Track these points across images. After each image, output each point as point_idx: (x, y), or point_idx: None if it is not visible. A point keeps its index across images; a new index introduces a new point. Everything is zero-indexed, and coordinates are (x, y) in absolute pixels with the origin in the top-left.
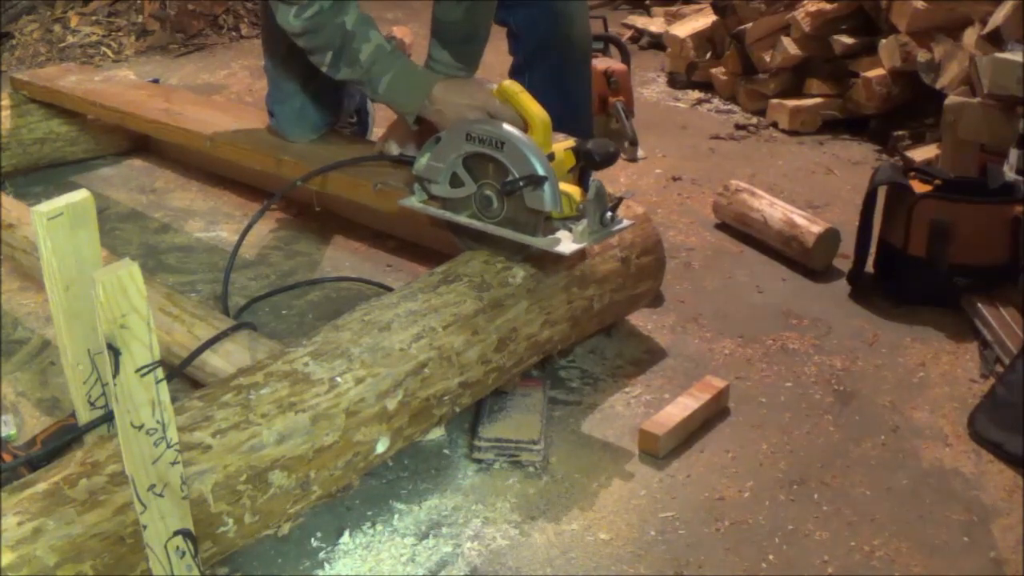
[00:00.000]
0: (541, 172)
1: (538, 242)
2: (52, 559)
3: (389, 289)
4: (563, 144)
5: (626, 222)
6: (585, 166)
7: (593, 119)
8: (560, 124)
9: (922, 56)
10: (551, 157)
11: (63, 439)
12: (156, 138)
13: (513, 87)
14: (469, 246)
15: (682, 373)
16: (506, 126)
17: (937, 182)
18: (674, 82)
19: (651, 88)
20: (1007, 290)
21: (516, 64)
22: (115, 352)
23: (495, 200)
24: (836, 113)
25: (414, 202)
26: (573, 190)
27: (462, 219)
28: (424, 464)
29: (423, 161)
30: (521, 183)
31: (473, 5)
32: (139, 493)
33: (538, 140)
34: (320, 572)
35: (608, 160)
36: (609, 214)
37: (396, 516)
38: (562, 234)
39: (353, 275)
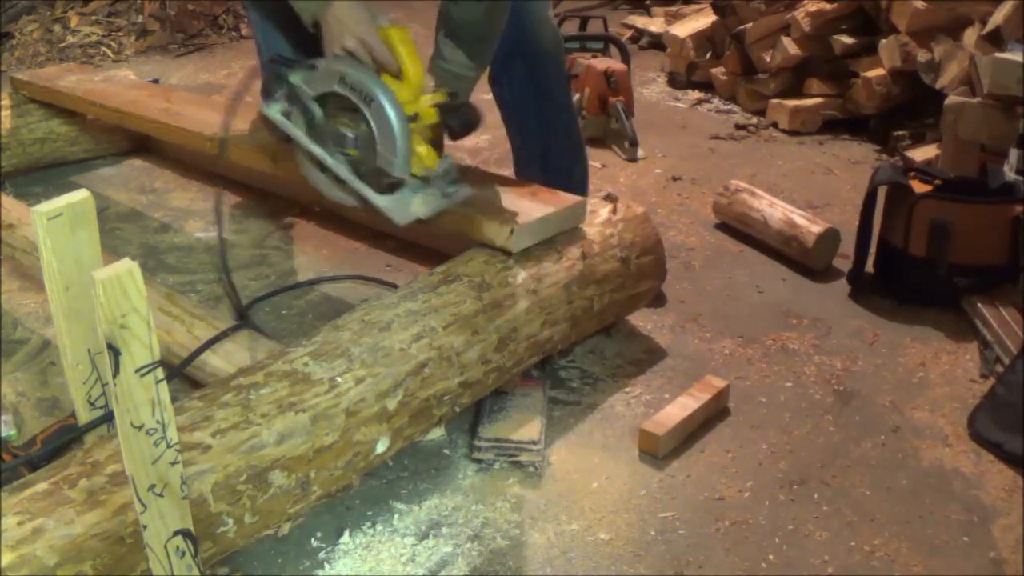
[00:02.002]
0: (400, 148)
1: (379, 201)
2: (52, 559)
3: (393, 286)
4: (430, 99)
5: (465, 190)
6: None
7: (575, 117)
8: (543, 125)
9: (922, 56)
10: (414, 118)
11: (63, 439)
12: (156, 138)
13: (400, 35)
14: (307, 169)
15: (682, 373)
16: (380, 87)
17: (937, 182)
18: (674, 82)
19: (651, 88)
20: (1007, 290)
21: (493, 70)
22: (115, 352)
23: (348, 141)
24: (836, 113)
25: (275, 112)
26: (426, 152)
27: (315, 149)
28: (424, 464)
29: (295, 79)
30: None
31: (493, 4)
32: (139, 493)
33: (407, 95)
34: (320, 572)
35: (466, 131)
36: (453, 187)
37: (396, 516)
38: (404, 193)
39: (354, 274)
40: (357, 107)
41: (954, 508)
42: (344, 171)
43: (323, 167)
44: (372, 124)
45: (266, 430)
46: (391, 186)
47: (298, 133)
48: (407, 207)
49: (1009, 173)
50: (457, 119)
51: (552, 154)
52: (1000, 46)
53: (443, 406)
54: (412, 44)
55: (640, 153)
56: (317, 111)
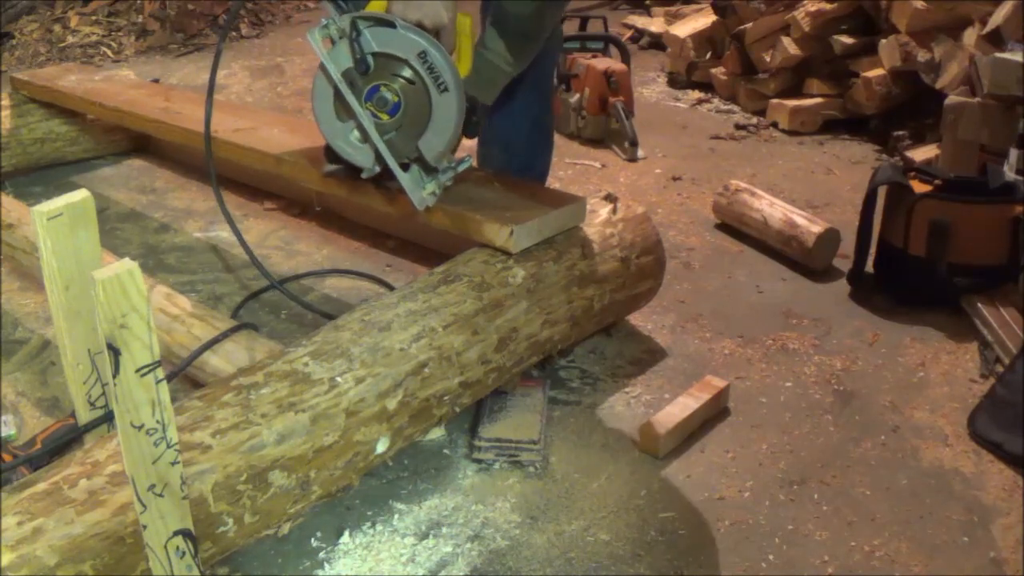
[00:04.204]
0: (448, 144)
1: (402, 176)
2: (52, 559)
3: (375, 279)
4: None
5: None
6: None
7: (552, 112)
8: (517, 113)
9: (922, 56)
10: None
11: (63, 439)
12: (156, 138)
13: (469, 26)
14: (321, 108)
15: (682, 373)
16: (458, 81)
17: (937, 182)
18: (674, 82)
19: (651, 88)
20: (1007, 290)
21: None
22: (115, 352)
23: (387, 105)
24: (836, 113)
25: (316, 38)
26: None
27: (350, 96)
28: (424, 464)
29: (363, 25)
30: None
31: (544, 5)
32: (139, 493)
33: None
34: (320, 572)
35: (473, 136)
36: (450, 183)
37: (396, 516)
38: (413, 175)
39: (343, 273)
40: (414, 80)
41: (954, 508)
42: (373, 130)
43: (341, 117)
44: (434, 109)
45: (266, 430)
46: (404, 164)
47: (335, 71)
48: (420, 191)
49: (1009, 173)
50: (470, 130)
51: (519, 143)
52: (1000, 46)
53: (443, 406)
54: (471, 38)
55: (640, 153)
56: (372, 64)
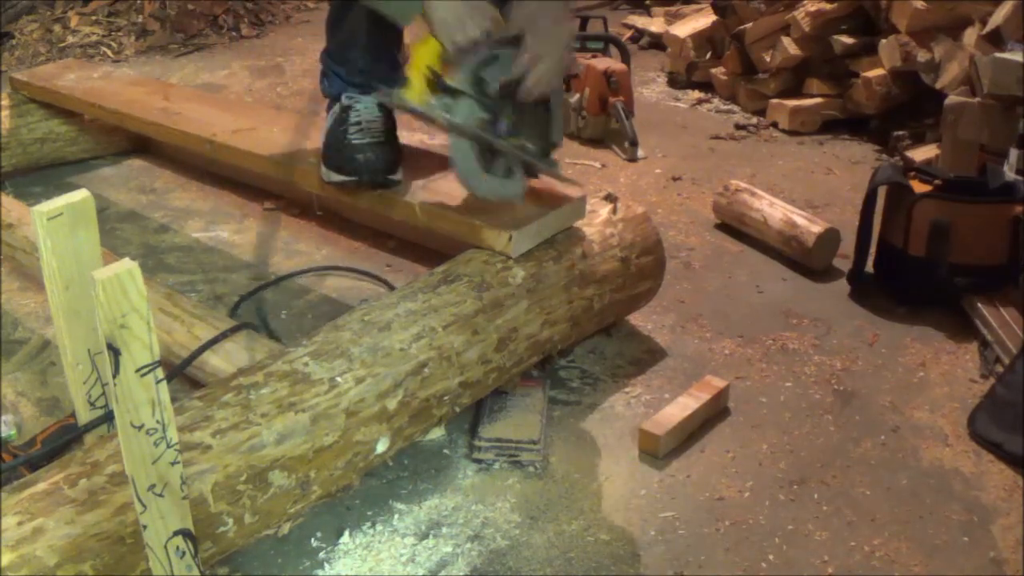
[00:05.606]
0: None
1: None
2: (52, 559)
3: (372, 275)
4: None
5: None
6: None
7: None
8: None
9: (922, 56)
10: None
11: (63, 439)
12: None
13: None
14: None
15: (682, 373)
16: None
17: (937, 182)
18: (674, 82)
19: (651, 88)
20: (1007, 290)
21: None
22: (115, 352)
23: (508, 127)
24: (836, 113)
25: (435, 109)
26: None
27: (502, 144)
28: (424, 464)
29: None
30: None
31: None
32: (139, 493)
33: None
34: (320, 572)
35: None
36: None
37: (396, 516)
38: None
39: (333, 270)
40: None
41: (954, 508)
42: (523, 157)
43: (485, 167)
44: (552, 105)
45: (266, 430)
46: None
47: (471, 127)
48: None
49: (1009, 173)
50: None
51: None
52: (1000, 46)
53: (443, 406)
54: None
55: (640, 153)
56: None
